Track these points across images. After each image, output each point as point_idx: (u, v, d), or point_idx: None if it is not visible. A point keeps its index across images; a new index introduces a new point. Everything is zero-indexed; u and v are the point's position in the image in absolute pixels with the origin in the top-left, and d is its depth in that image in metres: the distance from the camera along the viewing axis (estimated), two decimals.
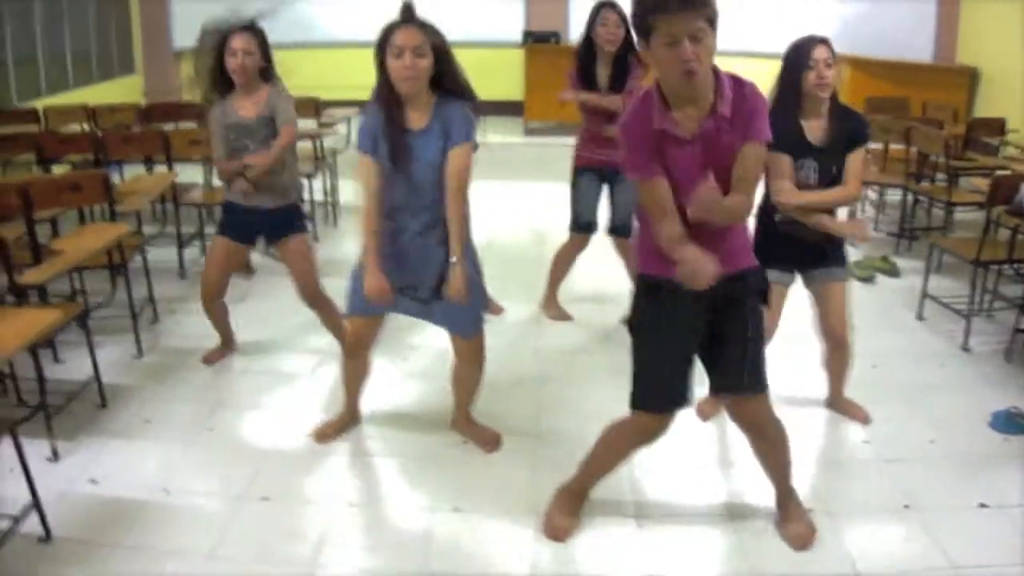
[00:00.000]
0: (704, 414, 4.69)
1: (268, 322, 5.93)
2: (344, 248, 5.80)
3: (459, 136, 3.81)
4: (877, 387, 4.94)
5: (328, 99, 8.96)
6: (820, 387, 4.80)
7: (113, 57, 12.61)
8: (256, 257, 6.97)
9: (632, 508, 3.96)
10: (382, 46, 3.74)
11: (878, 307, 6.30)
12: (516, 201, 8.97)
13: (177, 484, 4.09)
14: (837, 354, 4.56)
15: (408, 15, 3.81)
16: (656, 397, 3.47)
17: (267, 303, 6.30)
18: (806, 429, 4.48)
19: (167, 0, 13.58)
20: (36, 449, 4.13)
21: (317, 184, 8.16)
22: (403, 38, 3.69)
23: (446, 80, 3.86)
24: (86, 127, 8.63)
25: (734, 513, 3.92)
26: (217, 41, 4.80)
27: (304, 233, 5.14)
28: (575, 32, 5.52)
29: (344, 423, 4.55)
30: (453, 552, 3.69)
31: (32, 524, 3.64)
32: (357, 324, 4.22)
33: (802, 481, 3.80)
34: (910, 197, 7.79)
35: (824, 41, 4.21)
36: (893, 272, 7.00)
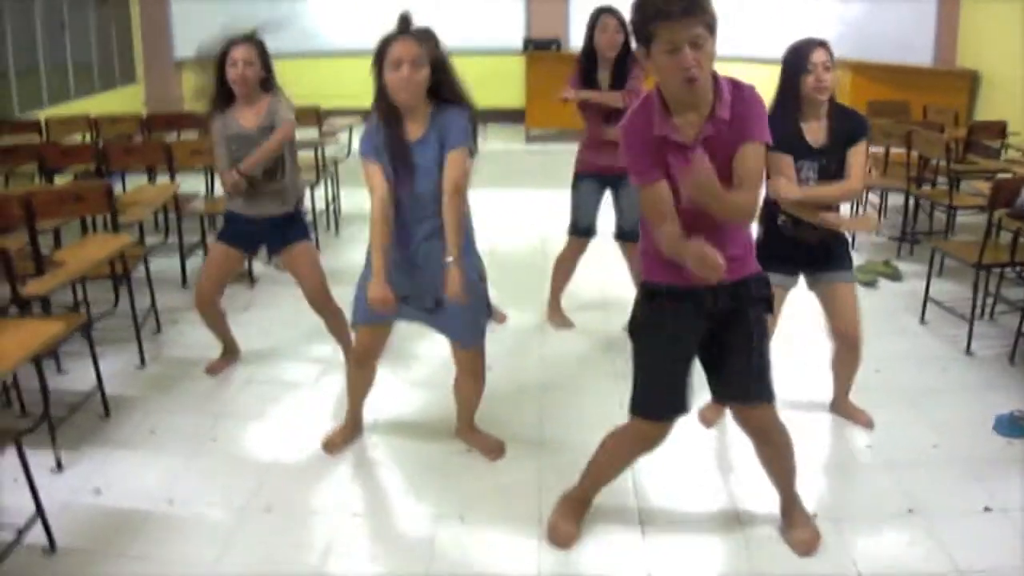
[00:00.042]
0: (707, 420, 4.69)
1: (271, 332, 5.94)
2: (346, 256, 5.82)
3: (455, 141, 3.81)
4: (880, 391, 4.93)
5: (329, 108, 8.97)
6: (822, 390, 4.80)
7: (114, 67, 12.64)
8: (258, 267, 6.99)
9: (636, 514, 3.96)
10: (379, 58, 3.75)
11: (880, 311, 6.29)
12: (518, 209, 8.96)
13: (181, 494, 4.09)
14: (849, 356, 4.55)
15: (405, 26, 3.82)
16: (655, 404, 3.47)
17: (269, 312, 6.30)
18: (809, 433, 4.48)
19: (168, 10, 13.61)
20: (40, 460, 4.13)
21: (319, 193, 8.17)
22: (400, 50, 3.70)
23: (444, 90, 3.87)
24: (88, 138, 8.63)
25: (738, 519, 3.92)
26: (218, 53, 4.81)
27: (308, 240, 5.14)
28: (576, 39, 5.53)
29: (350, 432, 4.55)
30: (458, 560, 3.69)
31: (36, 535, 3.64)
32: (365, 334, 4.22)
33: (805, 486, 3.79)
34: (912, 201, 7.79)
35: (822, 44, 4.20)
36: (895, 276, 6.99)
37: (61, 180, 7.15)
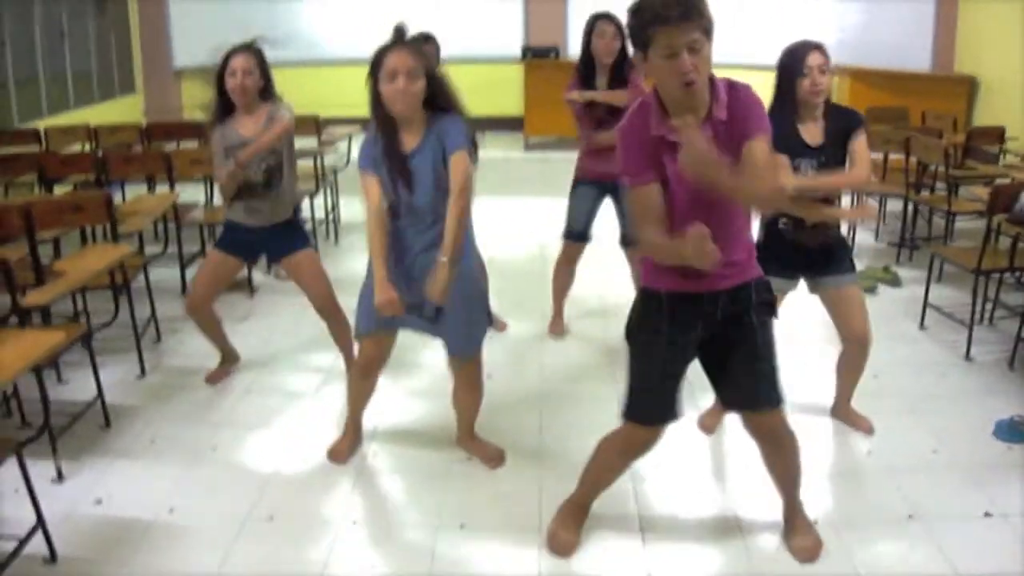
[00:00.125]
0: (707, 428, 4.70)
1: (271, 341, 5.94)
2: (346, 265, 5.83)
3: (455, 144, 3.81)
4: (880, 397, 4.93)
5: (328, 117, 8.97)
6: (821, 395, 4.81)
7: (114, 77, 12.66)
8: (258, 276, 7.00)
9: (636, 521, 3.96)
10: (375, 69, 3.76)
11: (880, 317, 6.27)
12: (517, 216, 8.97)
13: (182, 504, 4.09)
14: (858, 358, 4.53)
15: (400, 37, 3.83)
16: (648, 410, 3.47)
17: (269, 321, 6.31)
18: (809, 439, 4.45)
19: (167, 20, 13.64)
20: (41, 470, 4.13)
21: (318, 202, 8.18)
22: (396, 61, 3.71)
23: (439, 100, 3.88)
24: (87, 147, 8.64)
25: (738, 525, 3.92)
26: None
27: (310, 247, 5.15)
28: (574, 47, 5.53)
29: (353, 440, 4.55)
30: (458, 569, 3.69)
31: (37, 545, 3.64)
32: (368, 344, 4.22)
33: (806, 491, 3.79)
34: (910, 207, 7.80)
35: (818, 47, 4.20)
36: (895, 282, 7.00)
37: (60, 190, 7.15)
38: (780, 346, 3.41)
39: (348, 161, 9.41)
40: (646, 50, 3.01)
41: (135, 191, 7.81)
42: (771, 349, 3.41)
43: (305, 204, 7.29)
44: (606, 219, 5.72)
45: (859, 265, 4.57)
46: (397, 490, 4.30)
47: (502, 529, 3.92)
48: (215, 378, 5.35)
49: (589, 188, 5.63)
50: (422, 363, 5.38)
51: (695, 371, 3.51)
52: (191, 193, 7.60)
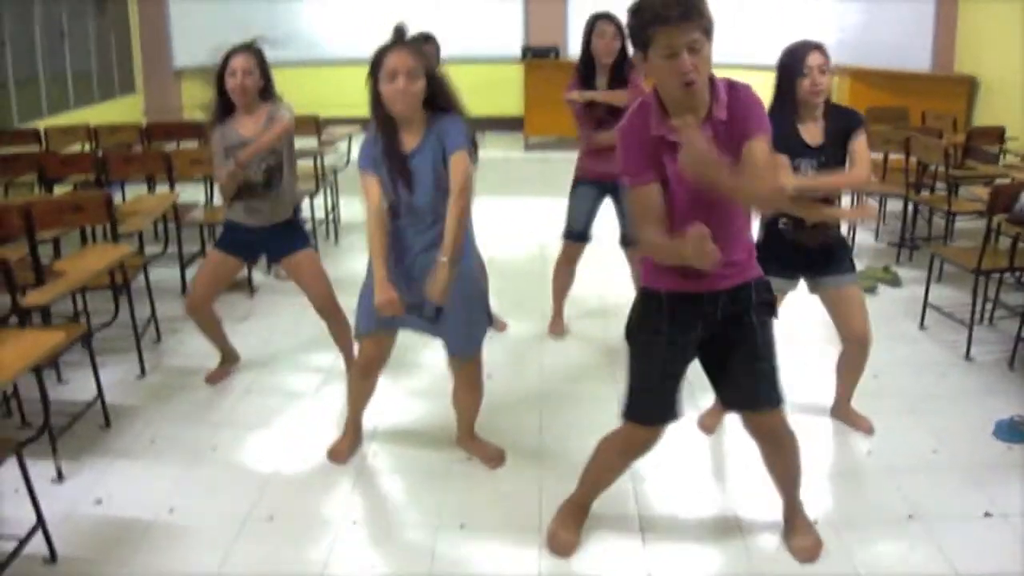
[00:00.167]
0: (707, 428, 4.70)
1: (271, 341, 5.94)
2: (346, 265, 5.83)
3: (455, 144, 3.81)
4: (880, 397, 4.93)
5: (328, 117, 8.98)
6: (821, 394, 4.81)
7: (114, 77, 12.66)
8: (258, 276, 7.00)
9: (636, 521, 3.96)
10: (375, 70, 3.77)
11: (880, 317, 6.27)
12: (517, 216, 8.97)
13: (182, 504, 4.09)
14: (859, 357, 4.53)
15: (400, 37, 3.83)
16: (648, 410, 3.48)
17: (269, 322, 6.31)
18: (809, 439, 4.45)
19: (167, 19, 13.64)
20: (41, 470, 4.13)
21: (318, 202, 8.18)
22: (396, 61, 3.72)
23: (439, 100, 3.88)
24: (87, 147, 8.63)
25: (738, 525, 3.92)
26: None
27: (310, 247, 5.15)
28: (574, 47, 5.53)
29: (353, 440, 4.55)
30: (458, 569, 3.69)
31: (37, 545, 3.64)
32: (369, 344, 4.22)
33: (805, 491, 3.79)
34: (911, 207, 7.80)
35: (818, 47, 4.19)
36: (895, 282, 7.00)
37: (60, 190, 7.15)
38: (780, 346, 3.41)
39: (348, 161, 9.42)
40: (646, 50, 3.01)
41: (135, 191, 7.81)
42: (771, 349, 3.40)
43: (305, 204, 7.29)
44: (606, 219, 5.72)
45: (859, 265, 4.58)
46: (397, 490, 4.30)
47: (502, 529, 3.92)
48: (215, 378, 5.35)
49: (589, 188, 5.63)
50: (422, 363, 5.38)
51: (695, 371, 3.51)
52: (191, 193, 7.61)
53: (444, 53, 5.91)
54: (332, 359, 5.43)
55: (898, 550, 3.73)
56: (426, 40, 5.61)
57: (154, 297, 5.91)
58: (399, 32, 3.85)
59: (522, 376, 5.43)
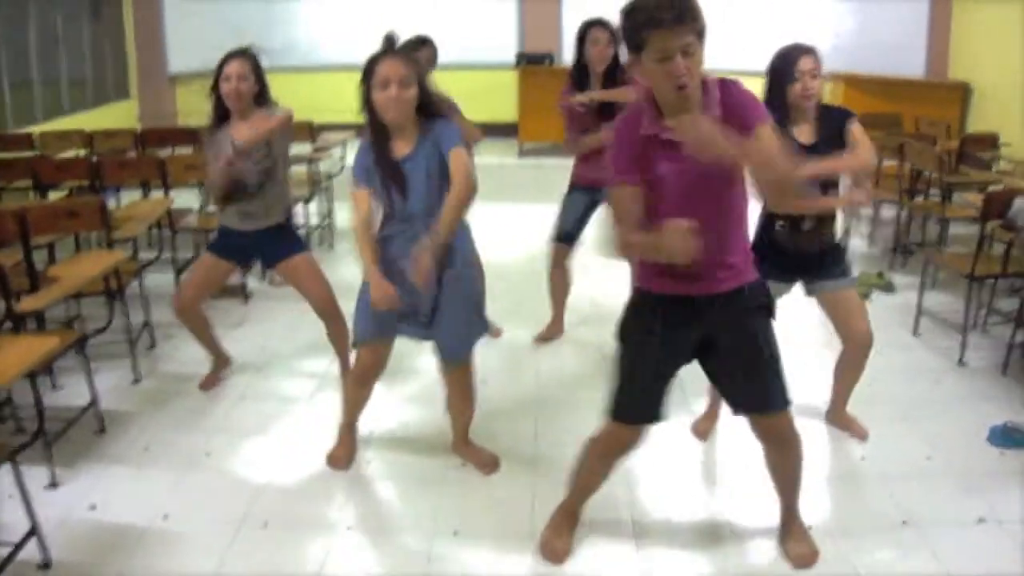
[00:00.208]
0: (701, 434, 4.70)
1: (265, 347, 5.94)
2: (341, 271, 5.83)
3: (450, 142, 3.84)
4: (874, 403, 4.93)
5: (323, 123, 8.98)
6: (815, 400, 4.81)
7: (108, 82, 12.64)
8: (252, 282, 7.00)
9: (630, 527, 3.96)
10: (367, 78, 3.78)
11: (874, 323, 6.23)
12: (511, 223, 8.97)
13: (177, 510, 4.09)
14: (859, 359, 4.53)
15: (390, 46, 3.85)
16: (631, 409, 3.48)
17: (263, 328, 6.31)
18: (803, 444, 4.48)
19: (162, 25, 13.62)
20: (35, 476, 4.14)
21: (313, 208, 8.18)
22: (388, 69, 3.74)
23: (431, 107, 3.90)
24: (82, 153, 8.62)
25: (732, 532, 3.93)
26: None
27: (306, 251, 5.15)
28: (568, 54, 5.56)
29: (351, 445, 4.55)
30: (452, 574, 3.69)
31: (32, 551, 3.63)
32: (366, 352, 4.23)
33: (800, 497, 3.79)
34: (904, 213, 7.81)
35: (809, 51, 4.19)
36: (889, 288, 7.01)
37: (55, 195, 7.15)
38: None
39: (343, 167, 9.41)
40: (639, 52, 3.01)
41: (129, 197, 7.80)
42: (775, 351, 3.40)
43: (299, 210, 7.29)
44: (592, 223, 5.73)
45: (854, 271, 4.59)
46: (392, 496, 4.30)
47: (496, 535, 3.92)
48: (208, 384, 5.34)
49: (582, 194, 5.64)
50: (417, 369, 5.37)
51: (688, 376, 3.52)
52: (185, 199, 7.60)
53: (438, 59, 5.91)
54: (327, 365, 5.43)
55: (892, 556, 3.74)
56: (423, 43, 5.60)
57: (149, 303, 5.92)
58: (389, 40, 3.87)
59: (517, 382, 5.43)
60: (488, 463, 4.43)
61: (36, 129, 9.17)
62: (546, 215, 5.85)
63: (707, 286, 3.24)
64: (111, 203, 7.04)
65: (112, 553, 3.77)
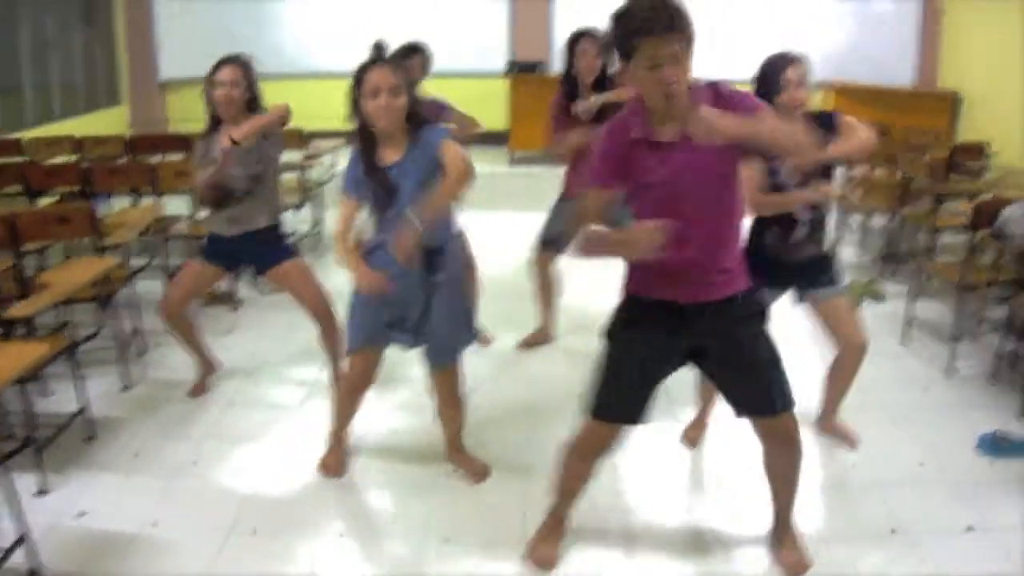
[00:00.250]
0: (690, 441, 4.71)
1: (255, 354, 5.93)
2: (332, 279, 5.81)
3: (439, 137, 3.86)
4: (864, 411, 4.93)
5: (314, 130, 8.96)
6: (805, 406, 4.80)
7: (99, 88, 12.62)
8: (243, 290, 6.99)
9: (619, 535, 3.97)
10: (357, 86, 3.80)
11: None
12: (502, 231, 8.96)
13: (166, 517, 4.08)
14: (855, 363, 4.51)
15: (379, 55, 3.86)
16: (609, 406, 3.47)
17: (253, 335, 6.30)
18: None
19: (154, 31, 13.61)
20: (25, 483, 4.13)
21: (303, 215, 8.18)
22: (378, 78, 3.76)
23: (420, 116, 3.92)
24: (72, 159, 8.61)
25: (722, 539, 3.93)
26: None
27: (297, 256, 5.15)
28: (559, 62, 5.57)
29: (342, 452, 4.55)
30: None
31: (21, 558, 3.63)
32: (358, 361, 4.23)
33: (795, 503, 3.80)
34: (895, 222, 7.83)
35: (796, 60, 4.18)
36: (879, 297, 7.03)
37: (45, 201, 7.14)
38: None
39: (333, 175, 9.41)
40: (629, 59, 3.03)
41: (120, 203, 7.79)
42: (774, 354, 3.41)
43: (290, 217, 7.29)
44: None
45: (843, 279, 4.60)
46: (381, 504, 4.30)
47: (486, 543, 3.92)
48: (198, 391, 5.34)
49: (572, 204, 5.65)
50: (408, 378, 5.36)
51: (676, 385, 3.53)
52: (176, 206, 7.58)
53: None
54: (317, 372, 5.43)
55: (882, 563, 3.74)
56: (415, 51, 5.60)
57: (139, 310, 5.91)
58: (379, 49, 3.88)
59: (507, 389, 5.43)
60: (478, 472, 4.43)
61: (26, 135, 9.14)
62: (537, 223, 5.84)
63: (700, 292, 3.25)
64: (101, 209, 7.03)
65: (101, 560, 3.76)
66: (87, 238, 5.49)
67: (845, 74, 12.12)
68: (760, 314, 3.43)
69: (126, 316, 5.73)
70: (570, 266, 5.86)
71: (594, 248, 3.21)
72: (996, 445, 4.61)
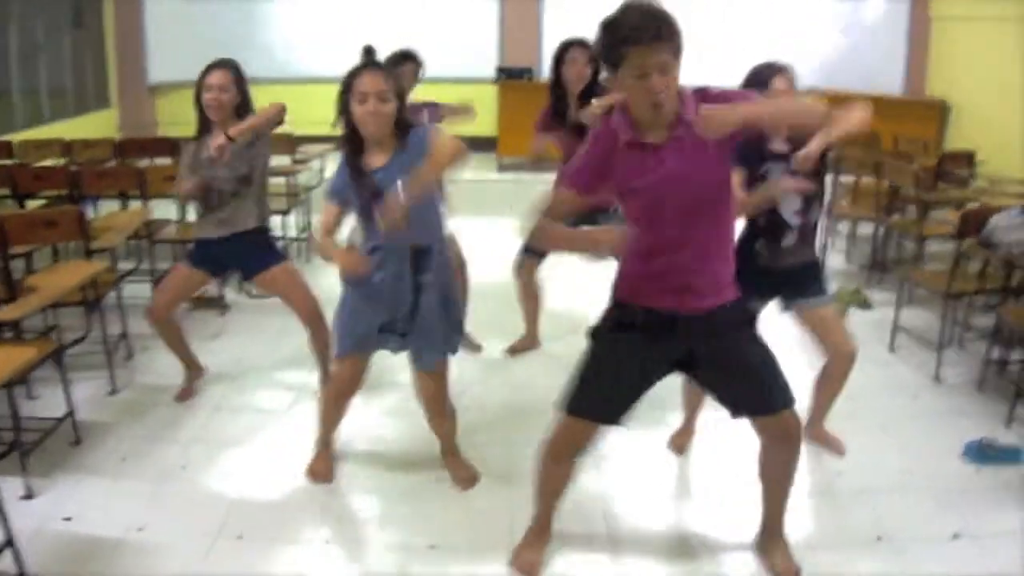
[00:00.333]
0: (678, 448, 4.71)
1: (242, 359, 5.93)
2: (320, 283, 5.80)
3: (426, 132, 3.89)
4: (851, 419, 4.93)
5: (303, 135, 8.95)
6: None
7: (89, 91, 12.59)
8: (230, 294, 6.98)
9: (606, 541, 3.97)
10: (346, 91, 3.80)
11: None
12: (490, 238, 8.95)
13: (152, 522, 4.07)
14: (845, 371, 4.50)
15: (370, 59, 3.86)
16: (581, 404, 3.46)
17: (241, 339, 6.30)
18: None
19: (143, 35, 13.57)
20: (10, 486, 4.12)
21: (291, 220, 8.17)
22: (367, 83, 3.77)
23: (409, 122, 3.94)
24: (61, 162, 8.59)
25: (709, 546, 3.93)
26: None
27: (286, 260, 5.15)
28: (548, 69, 5.56)
29: (330, 458, 4.55)
30: None
31: (7, 562, 3.61)
32: (346, 366, 4.22)
33: (786, 508, 3.80)
34: (881, 230, 7.86)
35: (782, 70, 4.18)
36: (866, 305, 7.04)
37: (33, 204, 7.12)
38: None
39: (322, 179, 9.40)
40: (617, 68, 3.03)
41: (108, 207, 7.78)
42: (768, 353, 3.42)
43: (278, 222, 7.28)
44: None
45: (831, 288, 4.61)
46: (368, 509, 4.30)
47: (473, 549, 3.93)
48: (185, 395, 5.33)
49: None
50: (396, 383, 5.35)
51: (665, 391, 3.53)
52: (164, 210, 7.57)
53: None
54: (305, 377, 5.43)
55: (868, 570, 3.75)
56: (407, 58, 5.61)
57: (126, 314, 5.89)
58: (368, 53, 3.88)
59: (494, 395, 5.43)
60: (465, 479, 4.43)
61: (15, 137, 9.11)
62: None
63: (690, 301, 3.25)
64: (89, 213, 7.02)
65: (87, 564, 3.75)
66: (75, 242, 5.49)
67: (835, 82, 12.15)
68: (749, 321, 3.43)
69: (114, 320, 5.71)
70: (557, 273, 5.87)
71: (547, 242, 3.25)
72: (982, 453, 4.62)
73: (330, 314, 4.19)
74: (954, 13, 11.88)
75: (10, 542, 3.62)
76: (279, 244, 5.31)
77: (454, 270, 4.24)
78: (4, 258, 4.78)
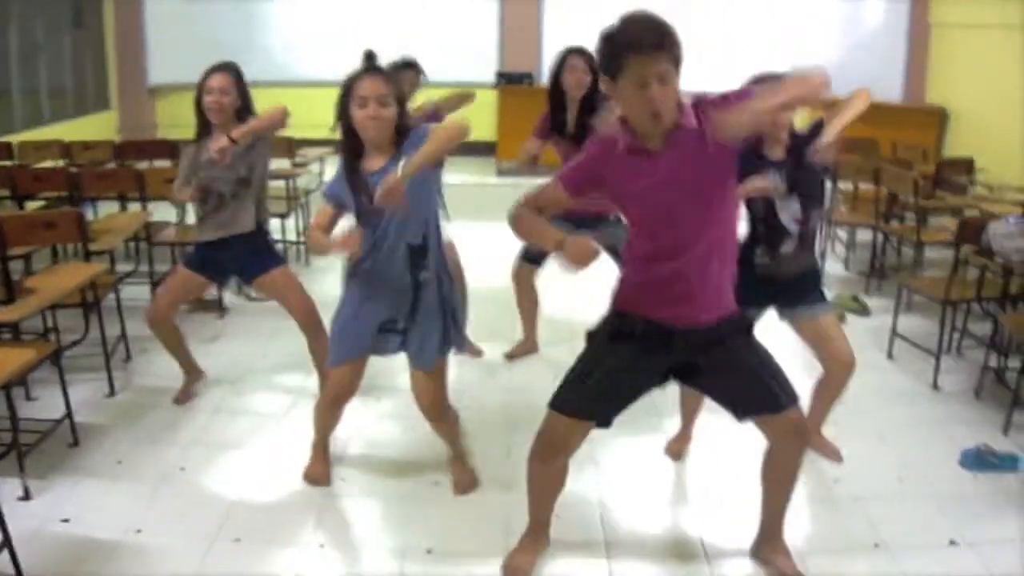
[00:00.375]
0: (674, 454, 4.71)
1: (240, 362, 5.93)
2: (318, 287, 5.79)
3: (424, 131, 3.84)
4: (848, 426, 4.94)
5: (302, 138, 8.95)
6: None
7: (88, 92, 12.59)
8: (228, 297, 6.98)
9: (602, 547, 3.97)
10: (346, 95, 3.80)
11: None
12: (489, 242, 8.95)
13: (149, 524, 4.07)
14: (843, 380, 4.49)
15: (371, 63, 3.86)
16: (568, 401, 3.46)
17: (239, 342, 6.30)
18: None
19: (143, 36, 13.57)
20: (8, 488, 4.13)
21: (290, 223, 8.17)
22: (368, 88, 3.76)
23: (408, 127, 3.93)
24: (60, 163, 8.58)
25: (706, 552, 3.93)
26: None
27: (284, 264, 5.15)
28: (548, 74, 5.56)
29: (326, 462, 4.55)
30: None
31: (3, 564, 3.61)
32: (342, 372, 4.20)
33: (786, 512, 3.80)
34: (880, 237, 7.86)
35: (780, 79, 4.20)
36: (863, 311, 7.05)
37: (32, 206, 7.12)
38: None
39: (321, 183, 9.40)
40: (616, 77, 3.04)
41: (107, 209, 7.78)
42: (767, 354, 3.43)
43: (277, 225, 7.28)
44: None
45: (828, 294, 4.61)
46: (364, 514, 4.30)
47: (469, 554, 3.93)
48: (183, 398, 5.33)
49: (561, 223, 5.63)
50: (393, 386, 5.35)
51: (662, 397, 3.53)
52: (164, 212, 7.58)
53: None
54: (303, 380, 5.42)
55: None
56: (408, 66, 5.62)
57: (125, 316, 5.88)
58: (369, 58, 3.88)
59: (492, 400, 5.43)
60: (462, 484, 4.43)
61: (15, 138, 9.10)
62: None
63: (690, 312, 3.25)
64: (88, 215, 7.02)
65: (84, 566, 3.75)
66: (74, 243, 5.48)
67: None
68: (747, 329, 3.44)
69: (112, 322, 5.71)
70: (555, 278, 5.86)
71: (519, 228, 3.26)
72: (980, 459, 4.62)
73: (327, 318, 4.17)
74: (954, 20, 11.87)
75: (7, 543, 3.62)
76: (278, 247, 5.30)
77: (454, 272, 4.24)
78: (3, 259, 4.78)
